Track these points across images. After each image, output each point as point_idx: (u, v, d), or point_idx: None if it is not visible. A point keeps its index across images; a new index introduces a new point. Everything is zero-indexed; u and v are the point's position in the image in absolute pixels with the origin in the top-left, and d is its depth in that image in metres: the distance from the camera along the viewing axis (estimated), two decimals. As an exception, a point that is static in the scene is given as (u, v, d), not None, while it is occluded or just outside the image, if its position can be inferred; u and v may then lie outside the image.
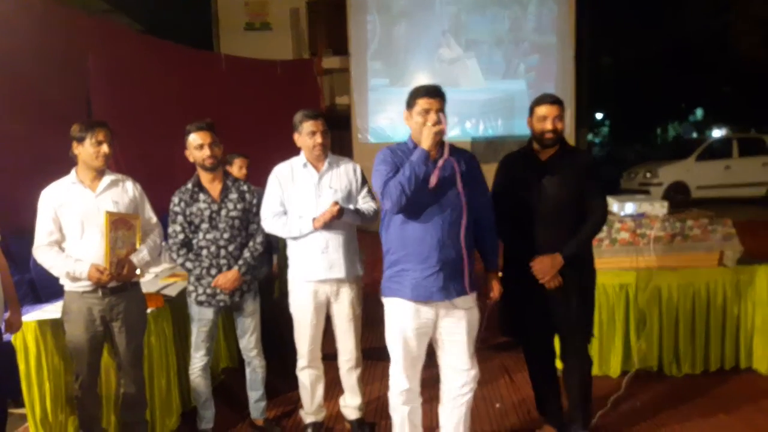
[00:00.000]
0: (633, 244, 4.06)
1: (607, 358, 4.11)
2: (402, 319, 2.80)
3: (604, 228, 4.00)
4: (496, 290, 2.99)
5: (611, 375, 4.09)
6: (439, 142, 2.69)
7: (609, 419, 3.59)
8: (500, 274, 3.14)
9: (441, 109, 2.72)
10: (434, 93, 2.73)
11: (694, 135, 27.36)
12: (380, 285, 2.91)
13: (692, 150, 13.60)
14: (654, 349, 4.14)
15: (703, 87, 24.78)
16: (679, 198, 12.53)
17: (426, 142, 2.65)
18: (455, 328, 2.83)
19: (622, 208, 4.25)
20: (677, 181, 13.13)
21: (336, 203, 3.13)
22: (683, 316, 4.11)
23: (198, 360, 3.45)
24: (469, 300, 2.84)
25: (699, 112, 30.34)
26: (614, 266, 4.08)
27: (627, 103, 29.83)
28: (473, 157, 2.92)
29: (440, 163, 2.67)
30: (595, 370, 4.05)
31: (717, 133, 24.03)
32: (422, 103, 2.72)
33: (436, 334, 2.87)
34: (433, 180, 2.66)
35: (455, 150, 2.81)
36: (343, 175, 3.33)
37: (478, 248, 2.95)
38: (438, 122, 2.65)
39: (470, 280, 2.81)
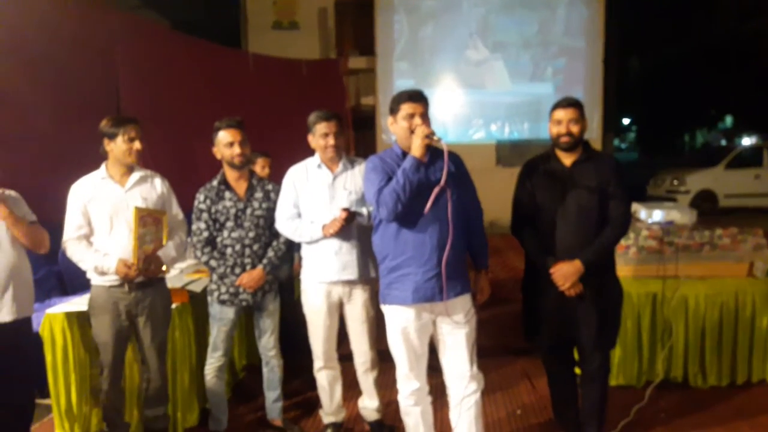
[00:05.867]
0: (660, 252, 4.00)
1: (631, 368, 4.05)
2: (403, 321, 2.82)
3: (631, 235, 3.96)
4: (485, 291, 2.99)
5: (635, 385, 4.03)
6: (427, 146, 2.71)
7: (631, 429, 3.54)
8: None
9: (424, 113, 2.77)
10: (417, 97, 2.79)
11: (723, 142, 26.94)
12: (379, 292, 2.93)
13: (721, 158, 13.41)
14: (679, 360, 4.07)
15: (733, 94, 24.43)
16: (706, 206, 12.37)
17: (417, 151, 2.68)
18: (455, 329, 2.84)
19: (650, 215, 4.19)
20: (705, 189, 12.96)
21: (345, 210, 3.13)
22: (710, 327, 4.03)
23: (215, 360, 3.45)
24: (467, 300, 2.88)
25: (728, 120, 29.87)
26: (641, 274, 4.03)
27: (655, 109, 29.53)
28: (459, 158, 2.95)
29: (436, 190, 2.69)
30: (619, 380, 4.03)
31: (747, 141, 23.62)
32: (406, 108, 2.77)
33: (437, 334, 2.89)
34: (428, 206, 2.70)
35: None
36: (357, 176, 3.31)
37: (468, 248, 2.96)
38: (426, 130, 2.69)
39: (467, 280, 2.86)
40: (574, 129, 3.03)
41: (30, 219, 3.02)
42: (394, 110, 2.83)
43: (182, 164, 6.49)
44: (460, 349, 2.86)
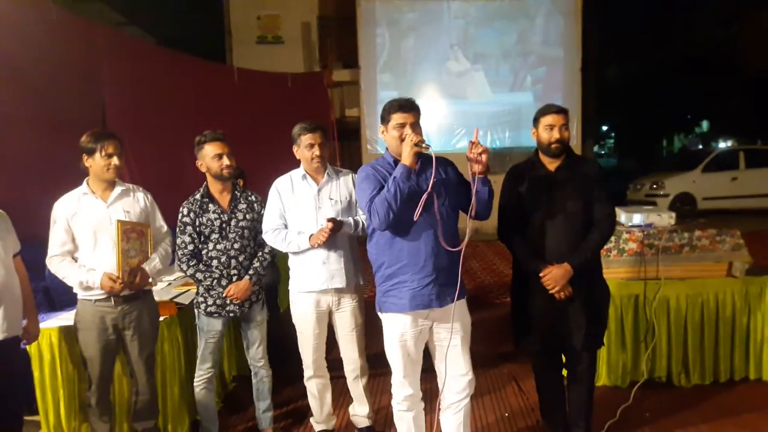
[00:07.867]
0: (641, 254, 4.07)
1: (616, 369, 4.11)
2: (400, 328, 2.84)
3: (612, 238, 4.02)
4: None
5: (620, 385, 4.09)
6: (418, 154, 2.74)
7: (618, 429, 3.58)
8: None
9: (415, 123, 2.79)
10: (408, 107, 2.81)
11: (700, 146, 27.31)
12: (375, 300, 2.94)
13: (699, 161, 13.59)
14: (663, 360, 4.13)
15: (709, 99, 24.80)
16: (685, 209, 12.54)
17: (407, 159, 2.71)
18: (450, 334, 2.87)
19: (630, 218, 4.26)
20: (684, 193, 13.13)
21: (330, 220, 3.16)
22: (692, 327, 4.11)
23: (204, 372, 3.45)
24: (464, 305, 2.92)
25: (705, 124, 30.32)
26: (622, 276, 4.10)
27: (633, 115, 29.87)
28: (451, 162, 2.98)
29: (423, 197, 2.69)
30: (604, 380, 4.09)
31: (723, 144, 23.99)
32: (396, 118, 2.79)
33: (433, 340, 2.93)
34: (417, 216, 2.71)
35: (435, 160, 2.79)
36: (342, 186, 3.36)
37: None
38: (416, 138, 2.71)
39: (462, 286, 2.87)
40: (565, 134, 3.09)
41: (15, 249, 3.01)
42: (385, 119, 2.85)
43: (169, 178, 6.48)
44: (457, 354, 2.89)
